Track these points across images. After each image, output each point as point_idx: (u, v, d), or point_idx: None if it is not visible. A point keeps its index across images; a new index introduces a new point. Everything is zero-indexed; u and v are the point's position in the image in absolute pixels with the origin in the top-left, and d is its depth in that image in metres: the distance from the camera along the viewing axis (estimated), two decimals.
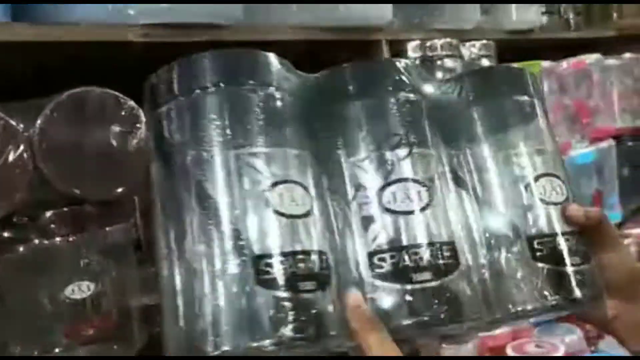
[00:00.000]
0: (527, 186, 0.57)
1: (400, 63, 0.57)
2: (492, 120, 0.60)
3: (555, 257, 0.56)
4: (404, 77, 0.56)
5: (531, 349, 1.27)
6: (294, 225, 0.47)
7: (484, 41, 1.28)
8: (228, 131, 0.48)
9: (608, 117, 1.61)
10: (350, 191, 0.53)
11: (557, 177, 0.59)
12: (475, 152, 0.59)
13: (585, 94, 1.54)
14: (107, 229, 0.73)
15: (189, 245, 0.47)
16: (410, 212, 0.52)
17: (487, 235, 0.57)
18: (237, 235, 0.46)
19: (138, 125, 0.73)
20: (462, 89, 0.61)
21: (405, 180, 0.52)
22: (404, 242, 0.51)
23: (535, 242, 0.56)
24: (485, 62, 1.28)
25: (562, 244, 0.56)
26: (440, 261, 0.51)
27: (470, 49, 1.26)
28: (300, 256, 0.46)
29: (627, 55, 1.69)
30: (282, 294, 0.45)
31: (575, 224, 0.57)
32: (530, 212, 0.57)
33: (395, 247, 0.50)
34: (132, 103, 0.72)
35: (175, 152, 0.50)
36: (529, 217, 0.57)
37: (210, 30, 0.86)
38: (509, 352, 1.26)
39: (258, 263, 0.45)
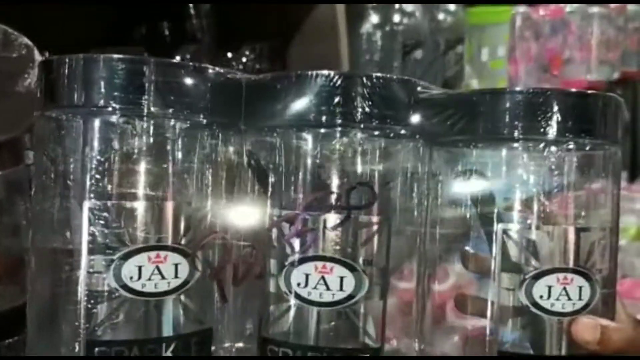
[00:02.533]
0: (522, 282, 0.41)
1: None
2: None
3: None
4: None
5: None
6: None
7: None
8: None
9: (582, 68, 1.54)
10: None
11: (582, 274, 0.41)
12: None
13: (561, 43, 1.47)
14: None
15: None
16: None
17: None
18: None
19: (31, 64, 0.66)
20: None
21: None
22: None
23: None
24: (451, 5, 1.20)
25: None
26: None
27: None
28: None
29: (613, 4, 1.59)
30: None
31: (583, 347, 0.41)
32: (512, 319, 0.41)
33: None
34: (24, 40, 0.66)
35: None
36: (509, 324, 0.42)
37: None
38: None
39: None
